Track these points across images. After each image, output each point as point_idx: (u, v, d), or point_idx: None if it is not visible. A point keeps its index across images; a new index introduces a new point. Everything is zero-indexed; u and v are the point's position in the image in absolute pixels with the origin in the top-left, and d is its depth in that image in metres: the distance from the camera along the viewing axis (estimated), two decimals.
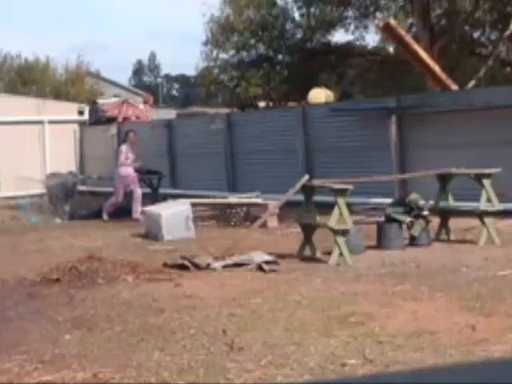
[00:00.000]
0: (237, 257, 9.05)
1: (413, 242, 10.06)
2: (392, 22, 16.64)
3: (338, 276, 8.10)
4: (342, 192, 9.24)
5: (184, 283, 8.00)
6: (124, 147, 15.28)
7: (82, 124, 23.04)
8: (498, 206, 10.15)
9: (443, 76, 16.41)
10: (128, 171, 15.11)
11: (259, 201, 13.82)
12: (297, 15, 28.48)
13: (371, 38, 30.63)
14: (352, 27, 27.73)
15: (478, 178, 10.19)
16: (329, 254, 9.12)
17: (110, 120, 23.18)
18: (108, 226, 13.89)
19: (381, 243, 9.95)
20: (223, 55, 28.81)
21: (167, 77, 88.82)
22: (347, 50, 28.12)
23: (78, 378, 5.10)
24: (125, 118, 23.47)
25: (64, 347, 5.79)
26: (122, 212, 15.49)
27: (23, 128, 21.16)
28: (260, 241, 10.82)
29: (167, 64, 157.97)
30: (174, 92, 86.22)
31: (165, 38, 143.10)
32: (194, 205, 12.89)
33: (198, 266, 8.79)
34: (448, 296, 6.88)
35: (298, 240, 9.96)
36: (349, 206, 9.82)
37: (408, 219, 10.07)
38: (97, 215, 15.57)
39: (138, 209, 14.69)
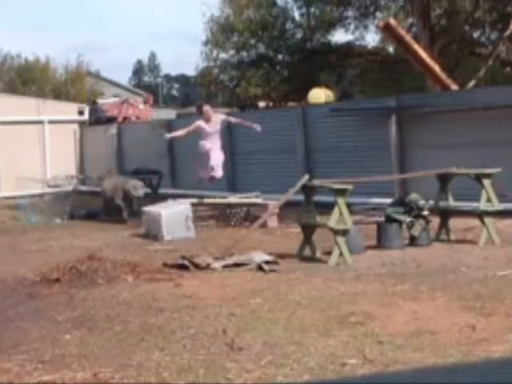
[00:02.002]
0: (237, 257, 9.06)
1: (413, 241, 10.06)
2: (392, 21, 16.63)
3: (338, 276, 8.10)
4: (341, 192, 9.24)
5: (184, 283, 8.00)
6: (199, 123, 13.35)
7: (82, 124, 23.05)
8: (498, 206, 10.15)
9: (443, 76, 16.41)
10: (206, 148, 13.28)
11: (259, 201, 13.81)
12: (297, 15, 28.51)
13: (371, 38, 30.65)
14: (352, 27, 27.75)
15: (478, 177, 10.19)
16: (329, 253, 9.13)
17: (110, 120, 23.19)
18: (108, 226, 13.89)
19: (381, 243, 9.95)
20: (223, 55, 28.83)
21: (167, 77, 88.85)
22: (347, 49, 28.11)
23: (77, 377, 5.11)
24: (125, 118, 23.48)
25: (64, 347, 5.79)
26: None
27: (23, 128, 21.16)
28: (260, 241, 10.82)
29: (167, 64, 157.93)
30: (174, 92, 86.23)
31: (165, 38, 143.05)
32: (194, 205, 12.89)
33: (198, 266, 8.80)
34: (448, 296, 6.88)
35: (298, 240, 9.96)
36: (349, 206, 9.82)
37: (408, 219, 10.07)
38: (97, 215, 15.57)
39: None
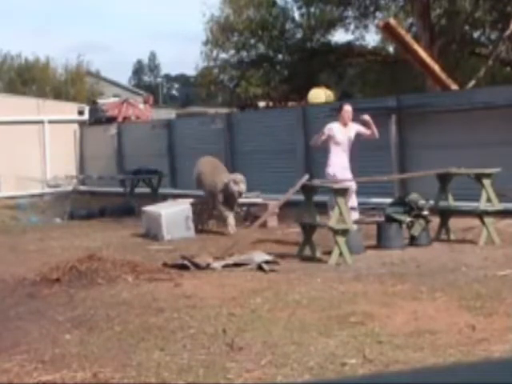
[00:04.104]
0: (237, 257, 9.06)
1: (413, 241, 10.06)
2: (392, 21, 16.63)
3: (338, 276, 8.10)
4: (341, 192, 9.24)
5: (184, 283, 8.00)
6: (333, 126, 10.80)
7: (81, 124, 23.05)
8: (498, 206, 10.15)
9: (443, 76, 16.41)
10: (335, 164, 10.67)
11: (259, 201, 13.81)
12: (297, 15, 28.48)
13: (371, 38, 30.66)
14: (352, 27, 27.73)
15: (478, 177, 10.19)
16: (329, 253, 9.13)
17: (110, 120, 23.19)
18: (108, 226, 13.89)
19: (381, 243, 9.95)
20: (223, 55, 28.80)
21: (167, 77, 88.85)
22: (347, 49, 28.10)
23: (77, 377, 5.10)
24: (125, 118, 23.48)
25: (64, 347, 5.79)
26: (123, 212, 15.50)
27: (23, 128, 21.16)
28: (260, 241, 10.82)
29: (167, 64, 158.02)
30: (174, 92, 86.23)
31: (165, 38, 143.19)
32: (194, 205, 12.88)
33: (198, 266, 8.80)
34: (448, 296, 6.88)
35: (298, 240, 9.96)
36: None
37: (408, 219, 10.07)
38: (97, 215, 15.57)
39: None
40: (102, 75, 46.49)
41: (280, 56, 28.67)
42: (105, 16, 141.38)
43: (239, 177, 12.15)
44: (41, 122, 21.79)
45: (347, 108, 10.85)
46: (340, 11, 27.52)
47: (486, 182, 10.04)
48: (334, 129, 10.71)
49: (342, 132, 10.73)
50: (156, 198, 15.54)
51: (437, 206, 10.55)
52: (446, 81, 16.34)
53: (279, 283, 7.79)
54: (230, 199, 11.90)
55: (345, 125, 10.78)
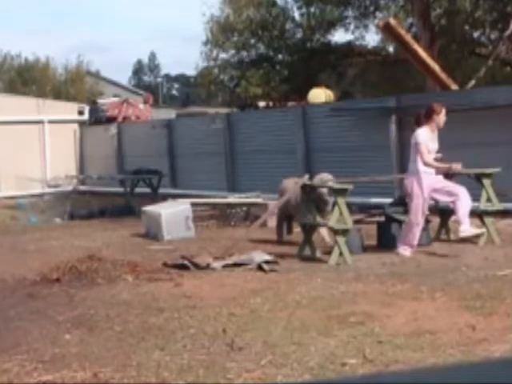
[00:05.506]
0: (237, 257, 9.06)
1: None
2: (392, 21, 16.63)
3: (338, 276, 8.10)
4: (341, 192, 9.24)
5: (184, 283, 8.00)
6: (423, 132, 9.14)
7: (82, 124, 23.05)
8: (498, 205, 10.15)
9: (443, 76, 16.41)
10: (429, 177, 9.24)
11: (259, 201, 13.81)
12: (297, 15, 28.51)
13: (371, 38, 30.68)
14: (352, 27, 27.77)
15: (478, 177, 10.19)
16: (329, 253, 9.13)
17: (110, 120, 23.19)
18: (108, 226, 13.89)
19: (381, 243, 9.95)
20: (223, 55, 28.85)
21: (167, 77, 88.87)
22: (347, 49, 28.12)
23: (77, 377, 5.10)
24: (125, 118, 23.48)
25: (64, 347, 5.79)
26: (123, 212, 15.50)
27: (23, 128, 21.15)
28: (260, 241, 10.82)
29: (167, 64, 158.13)
30: (174, 92, 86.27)
31: (165, 38, 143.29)
32: (194, 205, 12.89)
33: (197, 266, 8.80)
34: (448, 296, 6.88)
35: (298, 240, 9.96)
36: (349, 205, 9.81)
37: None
38: (97, 215, 15.57)
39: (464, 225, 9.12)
40: (102, 75, 46.56)
41: (280, 56, 28.69)
42: (105, 16, 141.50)
43: (326, 176, 10.11)
44: (41, 122, 21.78)
45: (440, 108, 9.19)
46: (340, 11, 27.55)
47: (486, 182, 10.04)
48: (426, 136, 9.13)
49: (432, 139, 9.18)
50: (156, 197, 15.54)
51: (437, 206, 10.55)
52: (446, 81, 16.34)
53: (279, 283, 7.79)
54: (319, 203, 9.82)
55: (433, 131, 9.23)
